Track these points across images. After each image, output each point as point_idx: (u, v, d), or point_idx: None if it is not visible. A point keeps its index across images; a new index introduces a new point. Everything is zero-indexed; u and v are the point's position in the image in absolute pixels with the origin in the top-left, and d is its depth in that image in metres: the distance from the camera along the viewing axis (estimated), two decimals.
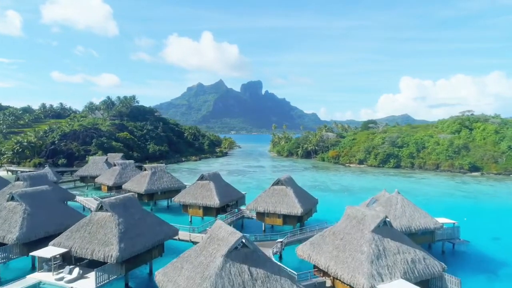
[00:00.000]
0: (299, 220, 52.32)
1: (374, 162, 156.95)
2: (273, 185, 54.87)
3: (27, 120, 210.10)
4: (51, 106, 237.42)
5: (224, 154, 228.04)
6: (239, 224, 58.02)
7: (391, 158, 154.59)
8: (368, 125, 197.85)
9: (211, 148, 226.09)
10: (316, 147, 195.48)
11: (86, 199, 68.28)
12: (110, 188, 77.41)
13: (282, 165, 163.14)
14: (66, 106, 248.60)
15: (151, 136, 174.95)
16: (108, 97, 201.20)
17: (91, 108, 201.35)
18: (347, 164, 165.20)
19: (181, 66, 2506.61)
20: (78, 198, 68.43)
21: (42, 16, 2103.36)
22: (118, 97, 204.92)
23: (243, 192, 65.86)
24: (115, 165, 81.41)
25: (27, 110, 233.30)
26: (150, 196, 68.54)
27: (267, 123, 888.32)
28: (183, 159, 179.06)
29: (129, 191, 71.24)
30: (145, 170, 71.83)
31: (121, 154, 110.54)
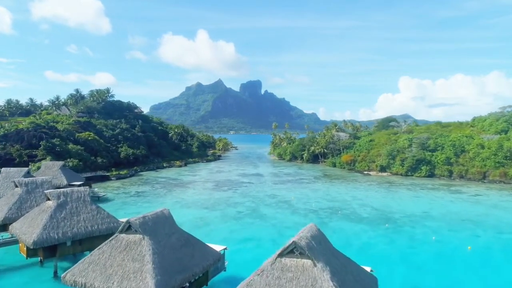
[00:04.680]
0: None
1: (401, 170, 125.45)
2: (281, 255, 23.27)
3: None
4: (17, 101, 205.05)
5: (217, 158, 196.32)
6: None
7: (422, 164, 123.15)
8: (389, 123, 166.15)
9: (202, 150, 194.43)
10: (325, 150, 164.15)
11: None
12: (1, 227, 45.81)
13: (285, 173, 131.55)
14: (36, 102, 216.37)
15: (126, 136, 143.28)
16: (77, 90, 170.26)
17: (55, 103, 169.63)
18: (365, 172, 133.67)
19: (178, 65, 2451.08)
20: None
21: (31, 13, 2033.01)
22: (91, 91, 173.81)
23: (220, 249, 34.31)
24: (16, 185, 49.61)
25: None
26: (50, 250, 37.02)
27: (267, 123, 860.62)
28: (165, 165, 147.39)
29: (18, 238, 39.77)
30: (48, 199, 40.10)
31: (60, 163, 78.80)
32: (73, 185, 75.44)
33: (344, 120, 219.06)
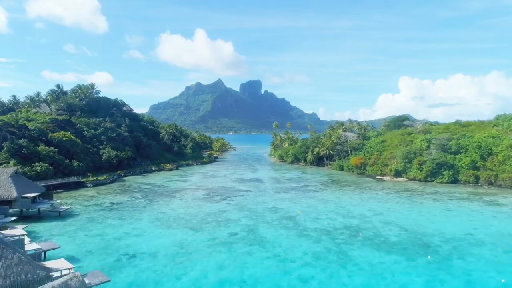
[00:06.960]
0: None
1: (419, 175, 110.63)
2: None
3: None
4: None
5: (213, 160, 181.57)
6: None
7: (443, 169, 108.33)
8: (402, 123, 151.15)
9: (196, 152, 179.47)
10: (331, 152, 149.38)
11: None
12: None
13: (288, 179, 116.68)
14: (19, 100, 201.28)
15: (109, 136, 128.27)
16: (58, 85, 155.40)
17: (34, 100, 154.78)
18: (378, 177, 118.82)
19: (177, 65, 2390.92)
20: None
21: (27, 12, 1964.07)
22: (74, 87, 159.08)
23: None
24: None
25: None
26: None
27: (267, 123, 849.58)
28: (153, 169, 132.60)
29: None
30: None
31: (11, 169, 63.77)
32: (27, 198, 60.78)
33: (350, 119, 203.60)
